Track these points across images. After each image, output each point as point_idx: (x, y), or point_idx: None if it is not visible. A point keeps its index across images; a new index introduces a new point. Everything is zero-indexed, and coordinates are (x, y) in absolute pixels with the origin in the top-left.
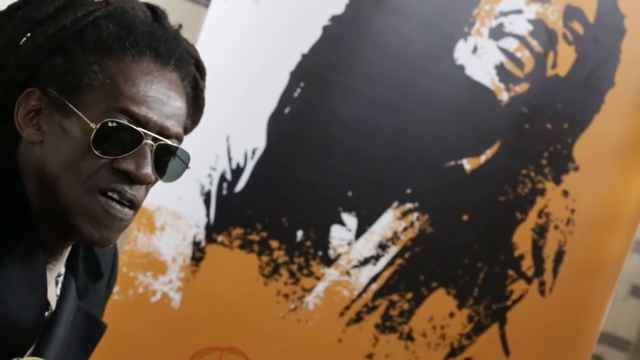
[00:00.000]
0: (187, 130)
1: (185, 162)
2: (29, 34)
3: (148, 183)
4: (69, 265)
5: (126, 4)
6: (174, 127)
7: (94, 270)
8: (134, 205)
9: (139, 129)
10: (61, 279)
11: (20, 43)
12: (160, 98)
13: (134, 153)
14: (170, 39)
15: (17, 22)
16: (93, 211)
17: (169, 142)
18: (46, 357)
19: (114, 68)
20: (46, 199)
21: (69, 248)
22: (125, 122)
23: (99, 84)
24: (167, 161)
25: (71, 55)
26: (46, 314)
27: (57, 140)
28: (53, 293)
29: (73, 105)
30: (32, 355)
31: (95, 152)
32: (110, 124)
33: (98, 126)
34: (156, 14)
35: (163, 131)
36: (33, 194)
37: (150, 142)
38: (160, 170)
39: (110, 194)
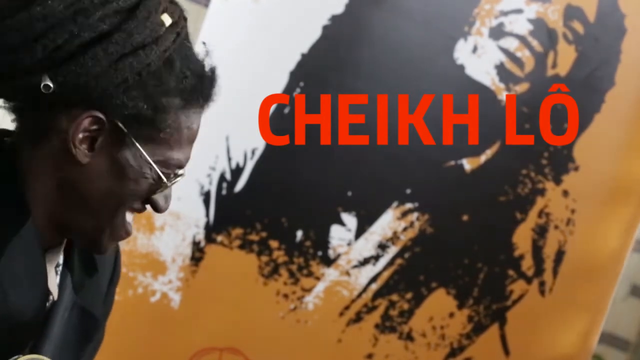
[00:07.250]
0: None
1: None
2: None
3: None
4: (65, 258)
5: (182, 29)
6: None
7: (89, 264)
8: None
9: (180, 172)
10: (60, 269)
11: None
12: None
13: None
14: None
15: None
16: (118, 230)
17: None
18: (44, 352)
19: (183, 118)
20: (65, 212)
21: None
22: (180, 173)
23: (166, 134)
24: None
25: (149, 96)
26: (47, 303)
27: (106, 169)
28: (54, 283)
29: (135, 140)
30: (30, 349)
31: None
32: (173, 179)
33: (169, 185)
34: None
35: None
36: (39, 193)
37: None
38: None
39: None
